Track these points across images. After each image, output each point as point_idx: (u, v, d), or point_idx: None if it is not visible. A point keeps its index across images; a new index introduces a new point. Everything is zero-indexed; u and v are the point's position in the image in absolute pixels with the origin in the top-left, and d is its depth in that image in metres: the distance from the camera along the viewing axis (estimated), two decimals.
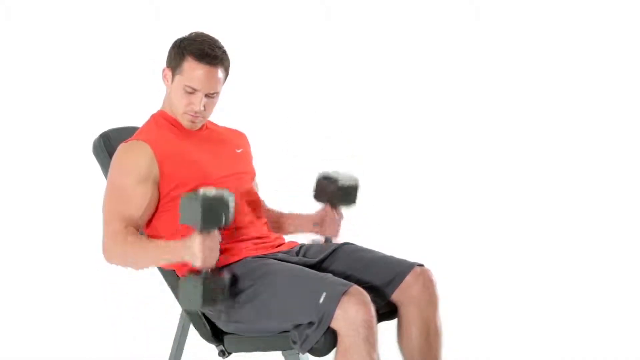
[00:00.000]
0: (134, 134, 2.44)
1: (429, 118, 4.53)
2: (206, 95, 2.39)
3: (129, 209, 2.32)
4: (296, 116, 4.44)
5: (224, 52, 2.41)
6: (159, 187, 2.36)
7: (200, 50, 2.36)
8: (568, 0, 4.48)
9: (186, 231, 2.32)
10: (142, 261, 2.31)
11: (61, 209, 4.12)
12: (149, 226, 2.40)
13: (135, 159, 2.34)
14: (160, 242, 2.29)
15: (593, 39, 4.49)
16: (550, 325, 3.87)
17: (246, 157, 2.58)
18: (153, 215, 2.38)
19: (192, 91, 2.37)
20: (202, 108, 2.38)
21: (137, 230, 2.35)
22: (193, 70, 2.36)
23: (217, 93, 2.41)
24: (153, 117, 2.49)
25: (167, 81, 2.43)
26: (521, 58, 4.51)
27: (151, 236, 2.40)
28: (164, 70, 2.43)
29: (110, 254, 2.33)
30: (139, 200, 2.33)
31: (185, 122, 2.43)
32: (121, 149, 2.39)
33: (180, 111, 2.41)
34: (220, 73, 2.39)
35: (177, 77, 2.39)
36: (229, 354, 2.41)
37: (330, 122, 4.48)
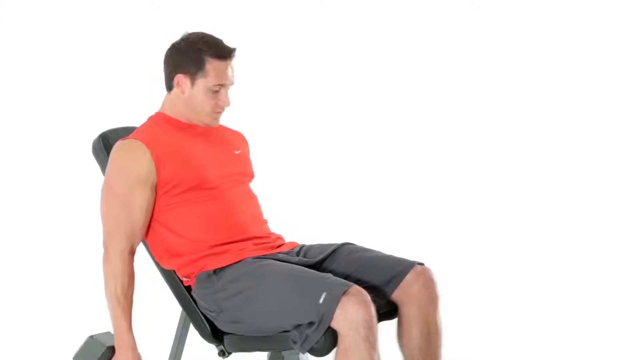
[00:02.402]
0: (132, 133, 2.44)
1: (428, 117, 4.53)
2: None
3: (131, 219, 2.34)
4: (295, 116, 4.44)
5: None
6: (156, 189, 2.36)
7: (219, 50, 2.40)
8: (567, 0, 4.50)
9: (187, 232, 2.33)
10: (106, 296, 2.36)
11: (61, 209, 4.12)
12: (149, 233, 2.41)
13: (133, 161, 2.34)
14: (123, 317, 2.36)
15: (592, 39, 4.49)
16: (550, 325, 3.87)
17: (244, 158, 2.58)
18: (150, 220, 2.39)
19: (219, 89, 2.40)
20: (229, 102, 2.44)
21: (136, 245, 2.37)
22: (219, 70, 2.40)
23: None
24: (151, 118, 2.49)
25: (184, 87, 2.42)
26: (521, 57, 4.51)
27: (152, 242, 2.42)
28: (177, 77, 2.42)
29: (105, 264, 2.35)
30: (140, 206, 2.34)
31: (210, 121, 2.45)
32: (118, 148, 2.39)
33: (208, 111, 2.43)
34: None
35: (201, 81, 2.40)
36: (229, 354, 2.41)
37: (329, 122, 4.48)
